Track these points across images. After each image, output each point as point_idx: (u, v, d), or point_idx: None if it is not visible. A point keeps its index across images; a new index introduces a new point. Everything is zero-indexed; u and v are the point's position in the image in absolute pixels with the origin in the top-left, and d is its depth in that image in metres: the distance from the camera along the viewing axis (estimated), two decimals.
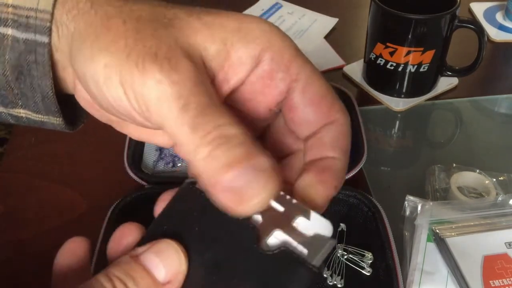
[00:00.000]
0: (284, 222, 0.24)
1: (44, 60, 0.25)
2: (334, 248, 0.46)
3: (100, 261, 0.43)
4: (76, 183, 0.55)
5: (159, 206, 0.27)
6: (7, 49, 0.25)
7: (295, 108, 0.26)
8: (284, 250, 0.23)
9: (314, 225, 0.24)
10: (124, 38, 0.23)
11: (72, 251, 0.27)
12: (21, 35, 0.25)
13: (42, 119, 0.28)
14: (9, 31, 0.25)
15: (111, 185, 0.54)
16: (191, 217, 0.25)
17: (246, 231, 0.24)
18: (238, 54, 0.25)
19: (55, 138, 0.61)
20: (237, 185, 0.22)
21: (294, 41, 0.27)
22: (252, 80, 0.26)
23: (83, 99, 0.28)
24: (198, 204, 0.25)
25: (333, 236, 0.24)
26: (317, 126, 0.26)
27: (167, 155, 0.55)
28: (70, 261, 0.26)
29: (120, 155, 0.54)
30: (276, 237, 0.24)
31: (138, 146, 0.56)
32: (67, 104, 0.29)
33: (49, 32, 0.25)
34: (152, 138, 0.31)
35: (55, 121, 0.29)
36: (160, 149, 0.56)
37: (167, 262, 0.24)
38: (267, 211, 0.24)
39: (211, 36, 0.25)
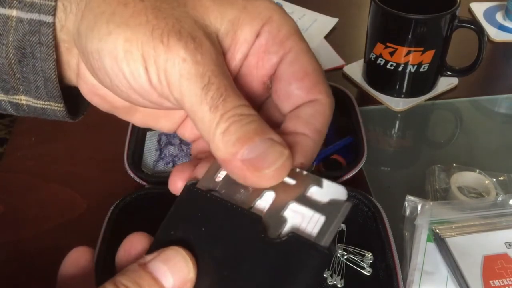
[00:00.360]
0: (297, 193, 0.24)
1: (48, 40, 0.26)
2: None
3: (100, 261, 0.43)
4: (76, 183, 0.55)
5: (173, 181, 0.28)
6: (11, 30, 0.25)
7: (280, 80, 0.27)
8: (292, 236, 0.23)
9: (328, 191, 0.24)
10: (144, 14, 0.24)
11: (75, 260, 0.27)
12: (26, 15, 0.25)
13: (44, 106, 0.28)
14: (14, 12, 0.25)
15: (111, 185, 0.54)
16: (196, 219, 0.25)
17: (252, 224, 0.24)
18: (243, 33, 0.26)
19: (55, 138, 0.61)
20: (252, 155, 0.23)
21: None
22: (248, 54, 0.27)
23: (86, 85, 0.28)
24: (201, 205, 0.26)
25: (349, 199, 0.24)
26: (298, 102, 0.26)
27: (167, 155, 0.55)
28: (74, 271, 0.26)
29: (120, 155, 0.54)
30: (292, 209, 0.24)
31: (138, 146, 0.56)
32: (67, 95, 0.29)
33: (54, 11, 0.25)
34: (156, 124, 0.31)
35: (56, 107, 0.28)
36: (160, 149, 0.56)
37: (175, 270, 0.24)
38: (280, 186, 0.24)
39: (221, 16, 0.25)
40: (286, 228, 0.24)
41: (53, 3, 0.25)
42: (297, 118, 0.26)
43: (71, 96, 0.29)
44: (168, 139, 0.56)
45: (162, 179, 0.52)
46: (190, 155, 0.54)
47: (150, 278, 0.23)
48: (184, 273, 0.24)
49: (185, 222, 0.26)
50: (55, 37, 0.26)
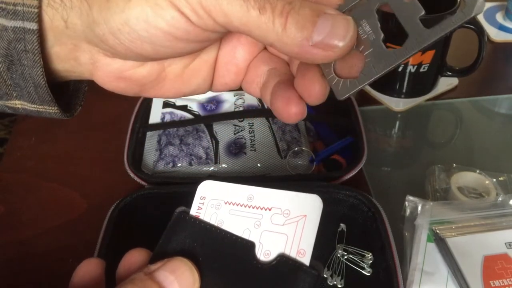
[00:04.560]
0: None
1: (33, 47, 0.25)
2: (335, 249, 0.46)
3: None
4: (76, 183, 0.55)
5: (286, 108, 0.27)
6: None
7: None
8: (281, 260, 0.25)
9: (304, 203, 0.26)
10: None
11: (87, 273, 0.27)
12: (9, 23, 0.25)
13: (38, 109, 0.28)
14: None
15: (111, 185, 0.54)
16: (191, 241, 0.27)
17: (245, 249, 0.26)
18: None
19: (55, 138, 0.61)
20: (322, 37, 0.23)
21: None
22: None
23: (109, 73, 0.27)
24: (195, 230, 0.27)
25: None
26: None
27: (167, 155, 0.55)
28: (86, 283, 0.27)
29: (120, 155, 0.54)
30: (275, 231, 0.26)
31: (138, 146, 0.56)
32: (63, 90, 0.29)
33: (37, 18, 0.25)
34: (190, 85, 0.30)
35: (51, 110, 0.28)
36: (160, 149, 0.56)
37: (181, 279, 0.24)
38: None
39: None
40: (274, 251, 0.25)
41: (36, 10, 0.25)
42: None
43: (67, 91, 0.29)
44: (168, 139, 0.56)
45: (162, 180, 0.52)
46: (191, 155, 0.54)
47: (157, 287, 0.23)
48: (190, 283, 0.24)
49: (181, 243, 0.27)
50: (49, 42, 0.26)
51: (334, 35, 0.24)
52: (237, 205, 0.27)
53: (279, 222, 0.26)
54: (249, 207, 0.27)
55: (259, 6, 0.23)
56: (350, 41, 0.24)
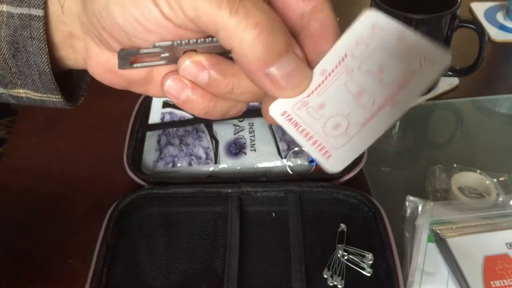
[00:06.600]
0: None
1: (39, 34, 0.25)
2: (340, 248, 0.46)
3: (100, 261, 0.43)
4: (76, 183, 0.55)
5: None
6: (2, 25, 0.25)
7: None
8: None
9: None
10: None
11: None
12: (16, 10, 0.25)
13: (42, 98, 0.29)
14: (4, 8, 0.25)
15: (111, 185, 0.54)
16: None
17: None
18: None
19: (55, 138, 0.61)
20: (278, 73, 0.24)
21: None
22: None
23: (99, 64, 0.27)
24: None
25: None
26: (297, 11, 0.26)
27: (167, 155, 0.55)
28: None
29: (120, 155, 0.54)
30: None
31: (137, 146, 0.56)
32: (66, 80, 0.29)
33: (43, 4, 0.25)
34: None
35: (54, 98, 0.29)
36: (160, 149, 0.55)
37: None
38: None
39: None
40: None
41: None
42: (312, 38, 0.26)
43: (71, 81, 0.29)
44: (168, 139, 0.56)
45: (161, 180, 0.52)
46: (190, 155, 0.54)
47: None
48: None
49: None
50: (50, 30, 0.26)
51: (289, 79, 0.24)
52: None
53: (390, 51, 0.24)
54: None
55: (230, 8, 0.23)
56: (298, 92, 0.25)
